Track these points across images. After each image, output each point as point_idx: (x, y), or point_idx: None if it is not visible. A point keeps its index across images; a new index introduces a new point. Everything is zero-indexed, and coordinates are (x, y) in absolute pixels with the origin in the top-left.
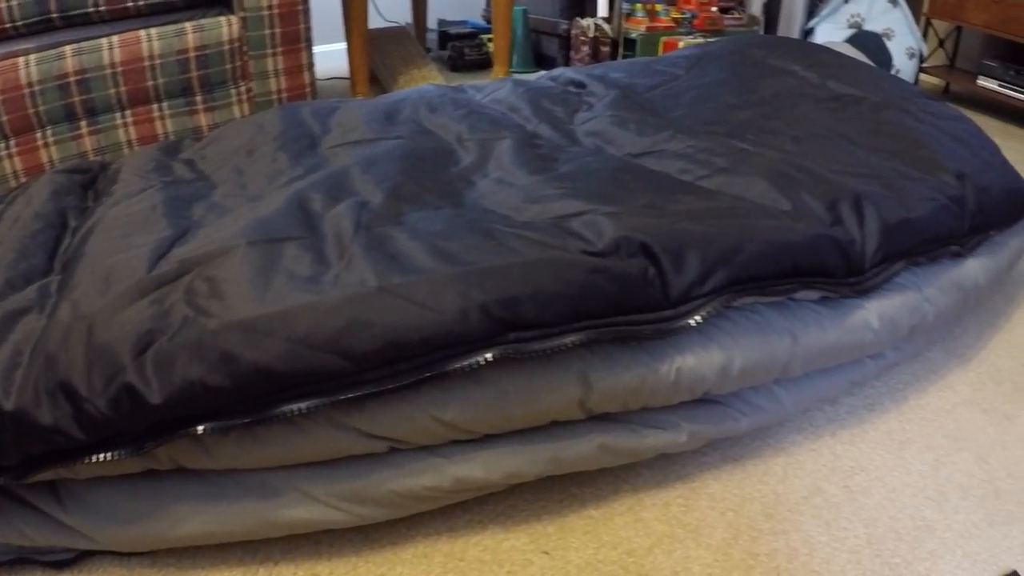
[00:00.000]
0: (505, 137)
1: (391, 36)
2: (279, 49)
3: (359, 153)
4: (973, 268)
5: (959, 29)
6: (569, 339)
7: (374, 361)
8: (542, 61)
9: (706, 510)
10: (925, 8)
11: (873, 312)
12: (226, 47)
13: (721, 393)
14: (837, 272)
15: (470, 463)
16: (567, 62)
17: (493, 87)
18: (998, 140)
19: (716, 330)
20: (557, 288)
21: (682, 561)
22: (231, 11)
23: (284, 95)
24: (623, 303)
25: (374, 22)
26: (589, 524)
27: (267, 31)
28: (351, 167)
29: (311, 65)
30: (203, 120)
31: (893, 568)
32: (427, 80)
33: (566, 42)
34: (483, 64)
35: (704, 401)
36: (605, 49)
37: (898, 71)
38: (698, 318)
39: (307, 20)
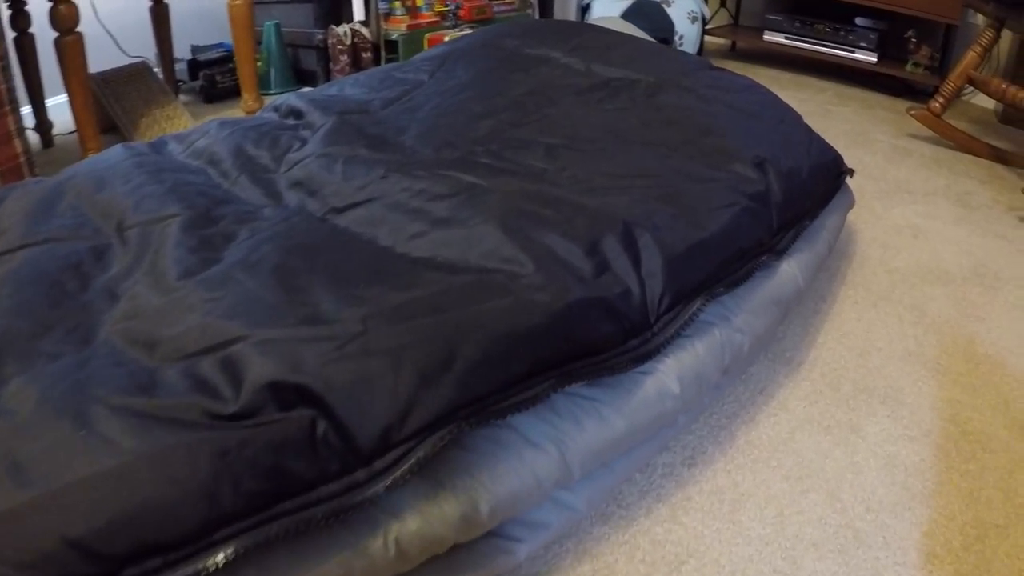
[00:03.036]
0: (173, 216)
1: (129, 75)
2: None
3: None
4: (790, 273)
5: None
6: (218, 557)
7: None
8: (303, 77)
9: None
10: None
11: (671, 373)
12: None
13: (475, 537)
14: (610, 341)
15: None
16: (328, 75)
17: (197, 134)
18: (792, 92)
19: (445, 469)
20: (174, 495)
21: None
22: None
23: None
24: (286, 482)
25: (116, 60)
26: None
27: None
28: None
29: (22, 131)
30: None
31: None
32: (171, 121)
33: (324, 53)
34: (239, 91)
35: (461, 545)
36: (367, 55)
37: (682, 36)
38: (400, 474)
39: (9, 79)
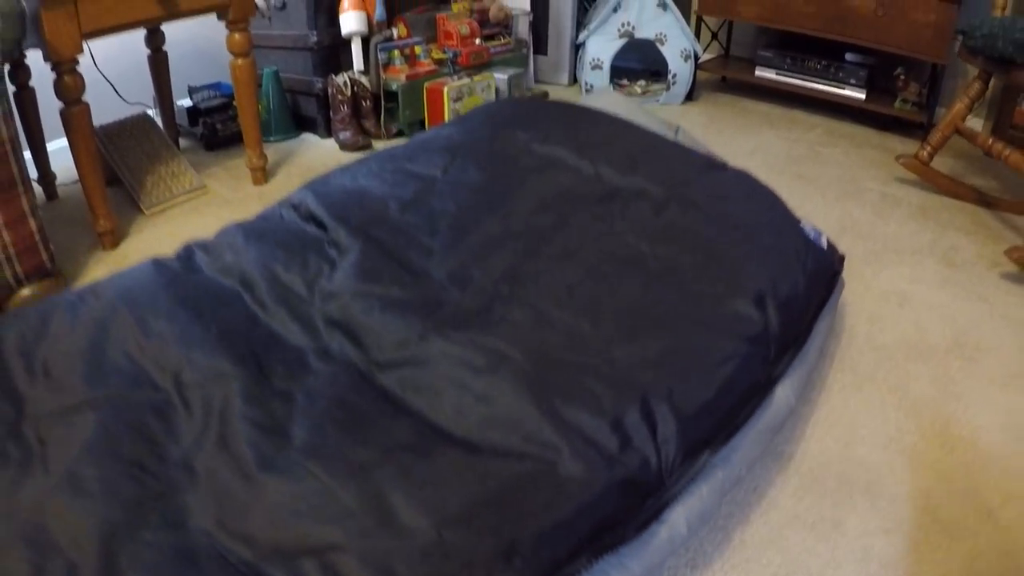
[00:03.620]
0: (232, 379)
1: (131, 128)
2: None
3: (63, 441)
4: (784, 397)
5: (730, 21)
6: None
7: None
8: (303, 123)
9: None
10: (695, 6)
11: (680, 519)
12: None
13: None
14: (630, 511)
15: None
16: (328, 123)
17: (223, 246)
18: (783, 131)
19: None
20: None
21: None
22: None
23: (12, 250)
24: None
25: (116, 108)
26: None
27: None
28: (54, 491)
29: (35, 209)
30: None
31: None
32: (176, 179)
33: (324, 101)
34: (240, 138)
35: None
36: (367, 104)
37: (675, 75)
38: None
39: (19, 160)
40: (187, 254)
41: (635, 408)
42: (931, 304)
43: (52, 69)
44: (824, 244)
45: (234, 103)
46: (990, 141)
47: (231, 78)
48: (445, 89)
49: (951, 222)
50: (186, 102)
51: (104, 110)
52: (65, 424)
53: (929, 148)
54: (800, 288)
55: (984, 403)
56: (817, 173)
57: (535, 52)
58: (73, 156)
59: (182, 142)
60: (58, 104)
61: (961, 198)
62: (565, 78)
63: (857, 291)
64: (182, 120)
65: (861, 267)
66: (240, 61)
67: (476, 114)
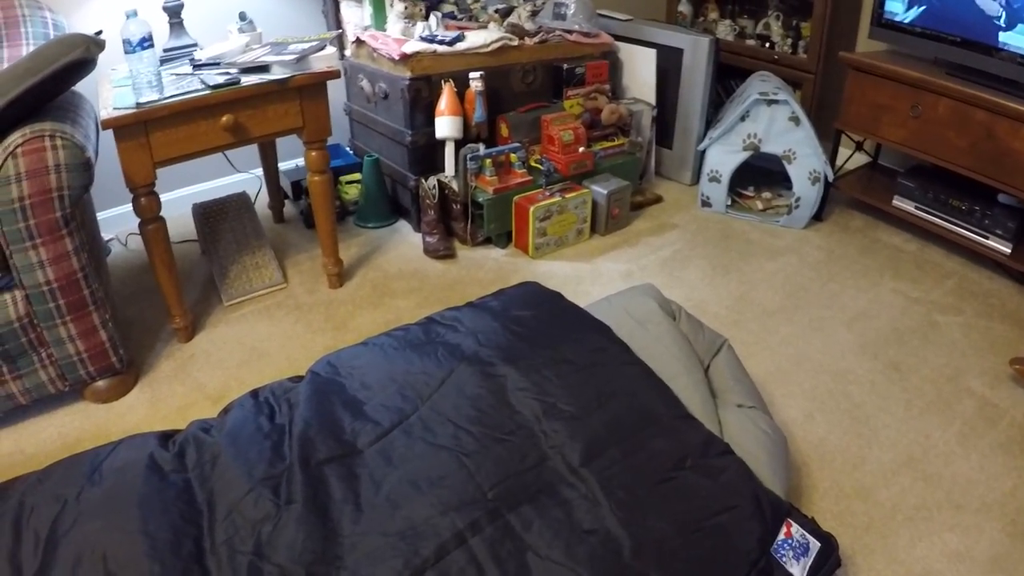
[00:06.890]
0: None
1: (228, 208)
2: (68, 317)
3: None
4: None
5: None
6: None
7: None
8: (400, 211)
9: None
10: (837, 121)
11: None
12: (16, 324)
13: None
14: None
15: None
16: (419, 219)
17: (212, 445)
18: (907, 282)
19: None
20: None
21: None
22: (13, 288)
23: (84, 355)
24: None
25: (223, 172)
26: None
27: (51, 304)
28: None
29: (107, 322)
30: (14, 387)
31: None
32: (259, 271)
33: (417, 197)
34: (340, 215)
35: None
36: (457, 207)
37: (798, 199)
38: None
39: (91, 283)
40: (181, 451)
41: None
42: None
43: (130, 191)
44: (805, 565)
45: (336, 182)
46: None
47: (309, 192)
48: (532, 209)
49: None
50: (300, 163)
51: (215, 174)
52: None
53: None
54: None
55: None
56: (917, 361)
57: (659, 144)
58: (151, 265)
59: (288, 208)
60: None
61: None
62: (688, 177)
63: (877, 564)
64: (286, 189)
65: (899, 529)
66: (317, 178)
67: (497, 309)
